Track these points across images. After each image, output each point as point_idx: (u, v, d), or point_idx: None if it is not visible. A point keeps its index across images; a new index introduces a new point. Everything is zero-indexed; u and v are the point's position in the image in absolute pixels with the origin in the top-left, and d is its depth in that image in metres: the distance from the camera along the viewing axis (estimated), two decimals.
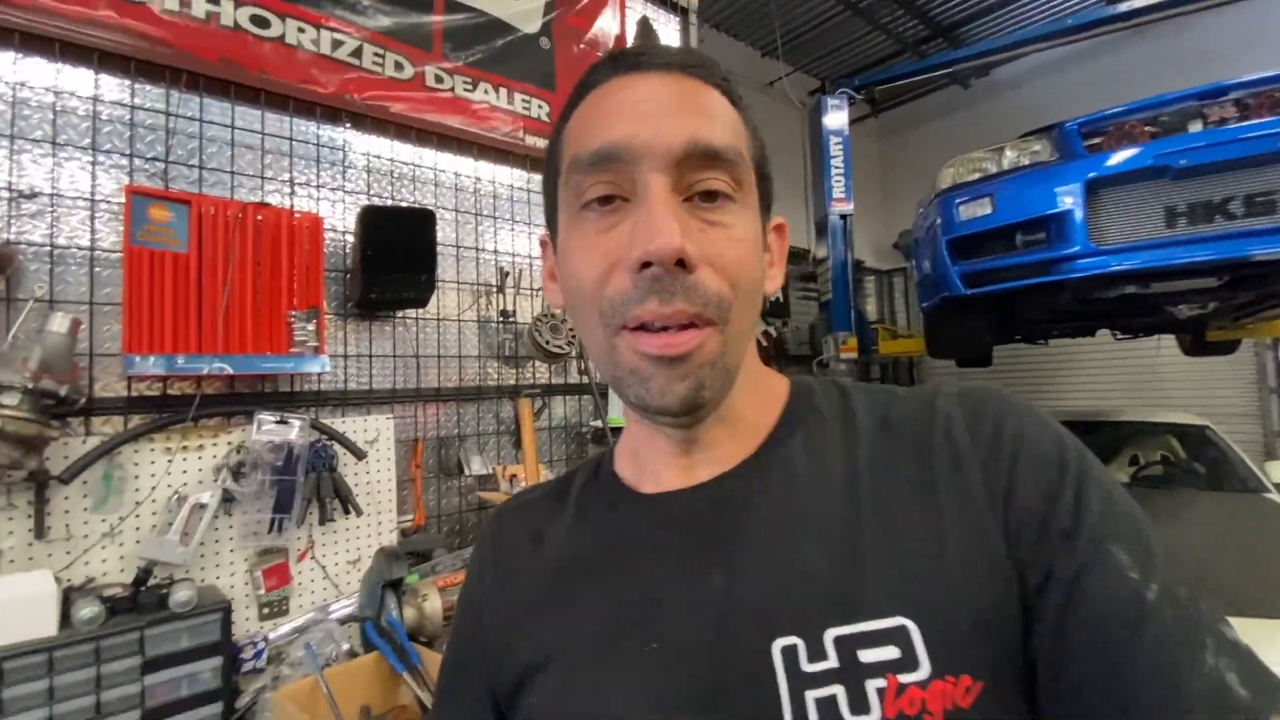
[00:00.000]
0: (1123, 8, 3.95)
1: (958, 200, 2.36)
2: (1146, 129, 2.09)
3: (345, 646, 1.39)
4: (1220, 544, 2.22)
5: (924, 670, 0.35)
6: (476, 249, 1.97)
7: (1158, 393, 5.33)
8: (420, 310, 1.81)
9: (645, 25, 2.32)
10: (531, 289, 2.08)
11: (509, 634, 0.48)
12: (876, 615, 0.36)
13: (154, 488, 1.36)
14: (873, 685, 0.34)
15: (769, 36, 5.15)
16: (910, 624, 0.36)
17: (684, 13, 2.61)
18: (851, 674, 0.35)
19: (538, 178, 2.12)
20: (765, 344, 5.17)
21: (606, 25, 2.29)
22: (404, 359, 1.80)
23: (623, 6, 2.34)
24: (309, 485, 1.52)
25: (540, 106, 2.09)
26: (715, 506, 0.44)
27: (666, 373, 0.39)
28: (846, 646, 0.36)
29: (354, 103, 1.70)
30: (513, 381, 2.01)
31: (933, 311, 2.74)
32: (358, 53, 1.70)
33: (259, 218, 1.49)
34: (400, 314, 1.79)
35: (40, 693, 1.13)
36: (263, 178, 1.58)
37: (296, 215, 1.56)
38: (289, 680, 1.26)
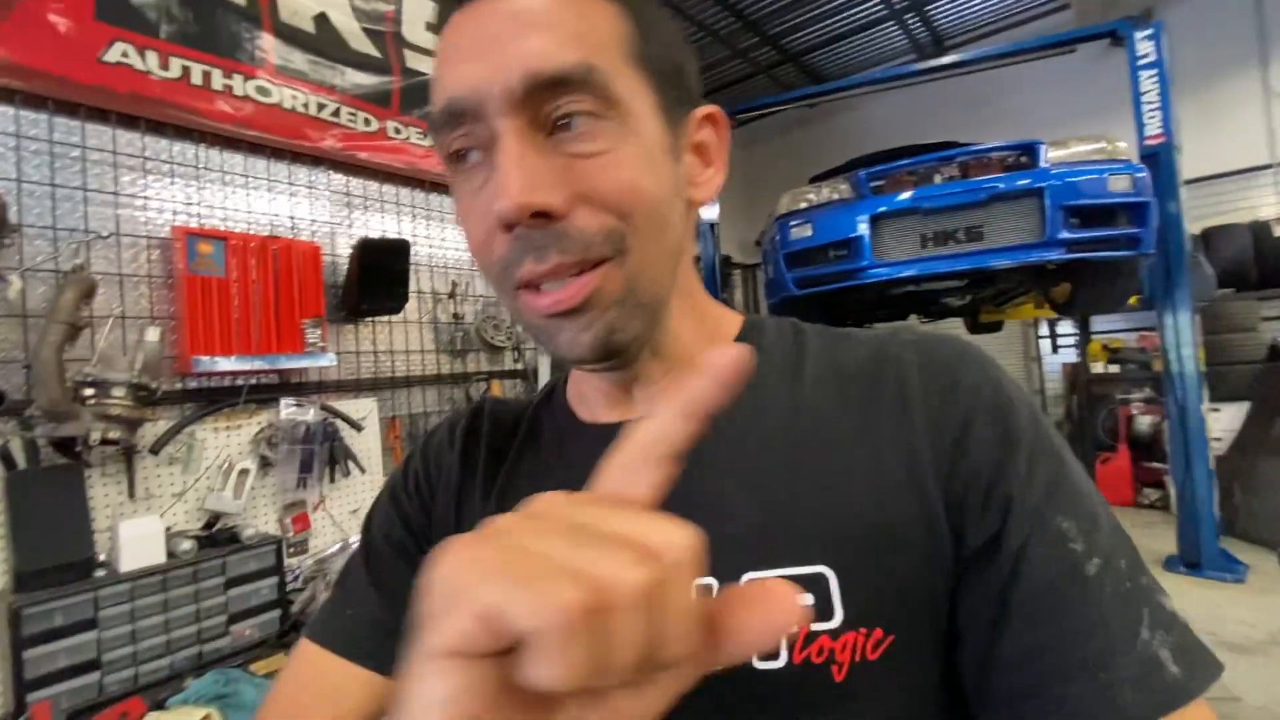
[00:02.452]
0: (945, 59, 5.04)
1: (790, 223, 3.18)
2: (910, 178, 3.02)
3: None
4: None
5: (836, 620, 0.35)
6: (431, 265, 2.48)
7: None
8: (392, 315, 2.30)
9: None
10: (475, 295, 2.62)
11: (448, 511, 0.49)
12: (797, 561, 0.36)
13: (212, 457, 1.79)
14: None
15: None
16: (830, 573, 0.36)
17: None
18: None
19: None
20: None
21: None
22: (382, 354, 2.28)
23: None
24: (324, 452, 1.99)
25: None
26: None
27: (570, 325, 0.38)
28: None
29: (336, 151, 2.15)
30: (462, 369, 2.55)
31: (777, 306, 3.58)
32: (337, 113, 2.15)
33: (275, 248, 1.92)
34: (376, 319, 2.27)
35: (158, 602, 1.55)
36: (272, 215, 2.00)
37: (299, 242, 2.01)
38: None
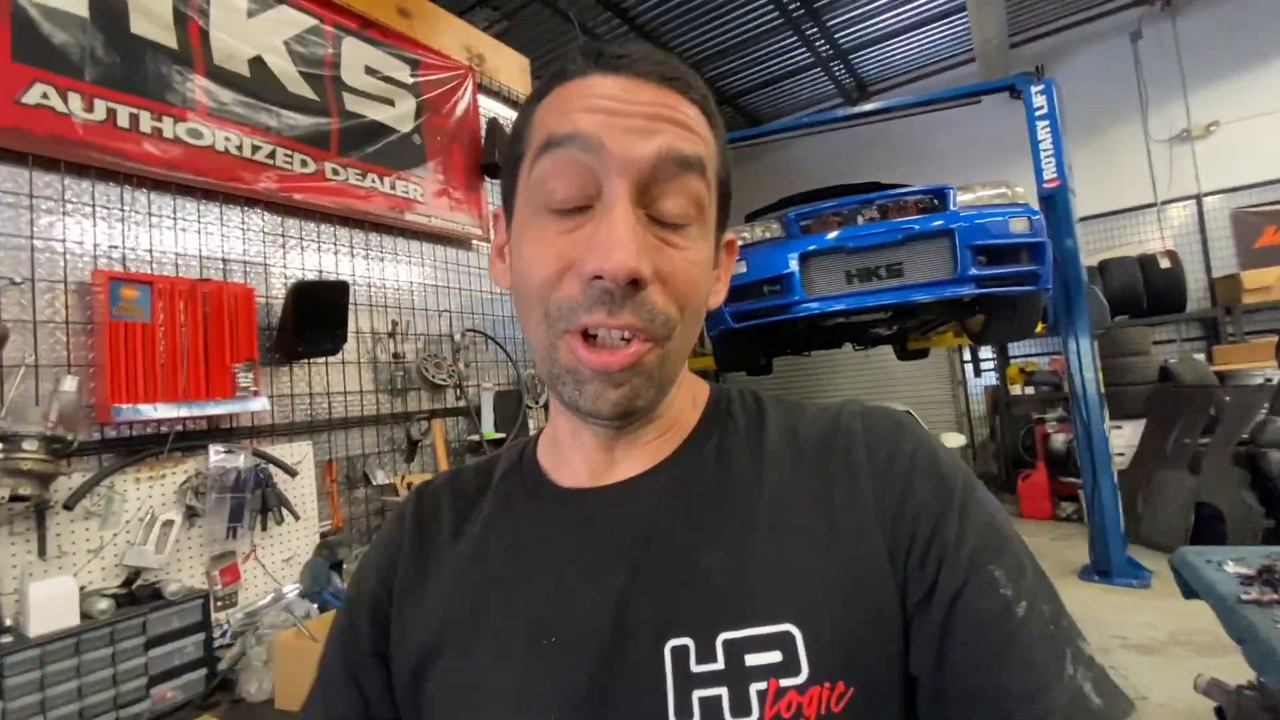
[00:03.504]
0: (867, 106, 5.36)
1: None
2: (835, 219, 3.22)
3: (303, 611, 1.84)
4: None
5: (803, 675, 0.37)
6: (370, 305, 2.46)
7: (887, 388, 7.12)
8: (330, 356, 2.27)
9: (494, 125, 2.97)
10: (415, 334, 2.61)
11: (414, 610, 0.48)
12: (765, 621, 0.38)
13: (133, 509, 1.71)
14: (755, 688, 0.37)
15: None
16: (795, 630, 0.38)
17: None
18: (736, 676, 0.37)
19: (417, 245, 2.67)
20: None
21: (463, 121, 2.90)
22: (318, 396, 2.24)
23: (475, 106, 2.96)
24: (255, 499, 1.93)
25: (415, 188, 2.64)
26: (623, 508, 0.45)
27: (603, 383, 0.41)
28: (735, 650, 0.38)
29: (271, 193, 2.13)
30: (403, 409, 2.52)
31: (717, 338, 3.70)
32: (273, 155, 2.14)
33: (205, 291, 1.88)
34: (313, 360, 2.23)
35: (71, 668, 1.46)
36: (201, 256, 1.97)
37: (230, 285, 1.97)
38: (268, 636, 1.70)
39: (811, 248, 3.07)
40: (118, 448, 1.72)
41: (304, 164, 2.24)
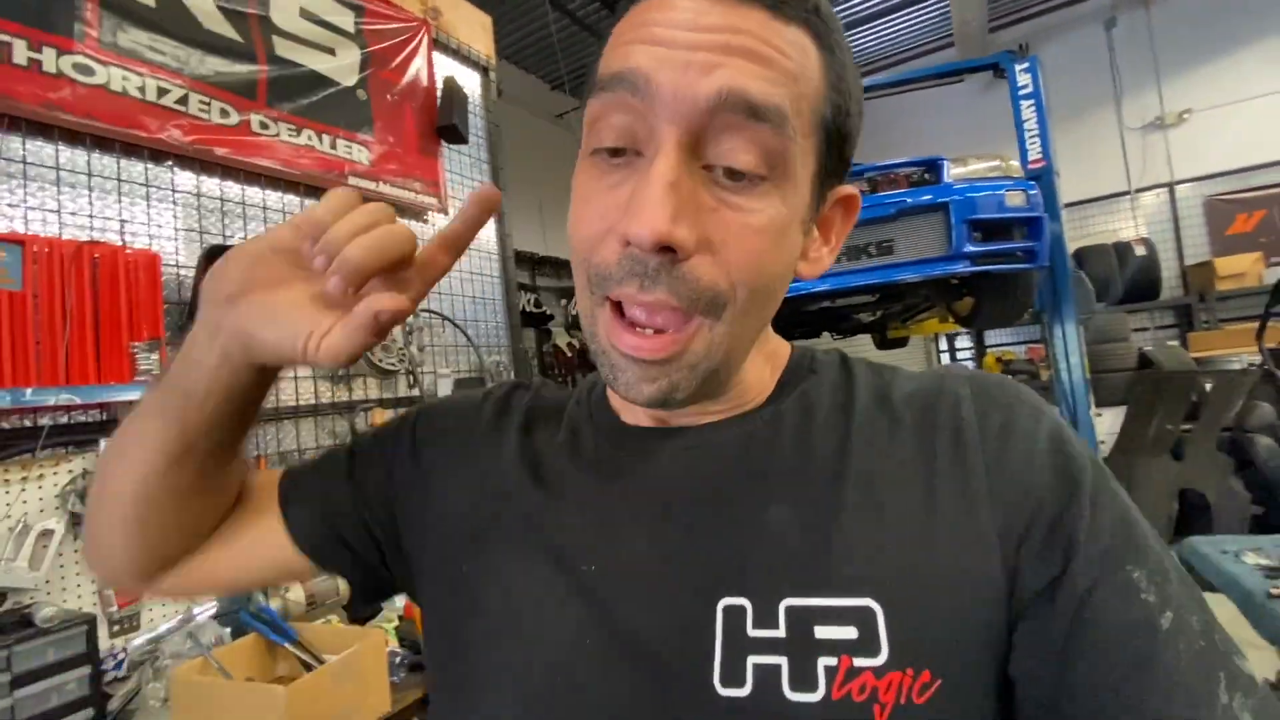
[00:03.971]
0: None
1: None
2: None
3: (213, 638, 1.56)
4: None
5: (881, 657, 0.33)
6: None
7: None
8: None
9: (451, 85, 2.68)
10: None
11: (452, 475, 0.47)
12: (842, 592, 0.34)
13: (0, 517, 1.40)
14: (823, 663, 0.33)
15: (557, 70, 5.73)
16: (877, 607, 0.34)
17: (485, 71, 3.02)
18: (801, 647, 0.34)
19: None
20: (570, 355, 5.70)
21: (416, 79, 2.61)
22: None
23: (430, 65, 2.67)
24: None
25: (360, 150, 2.34)
26: (688, 453, 0.42)
27: (640, 371, 0.37)
28: (801, 618, 0.34)
29: (182, 145, 1.82)
30: (346, 398, 2.24)
31: None
32: (184, 100, 1.83)
33: (95, 256, 1.58)
34: None
35: None
36: (91, 216, 1.65)
37: (129, 251, 1.66)
38: (168, 669, 1.42)
39: None
40: None
41: (224, 114, 1.93)
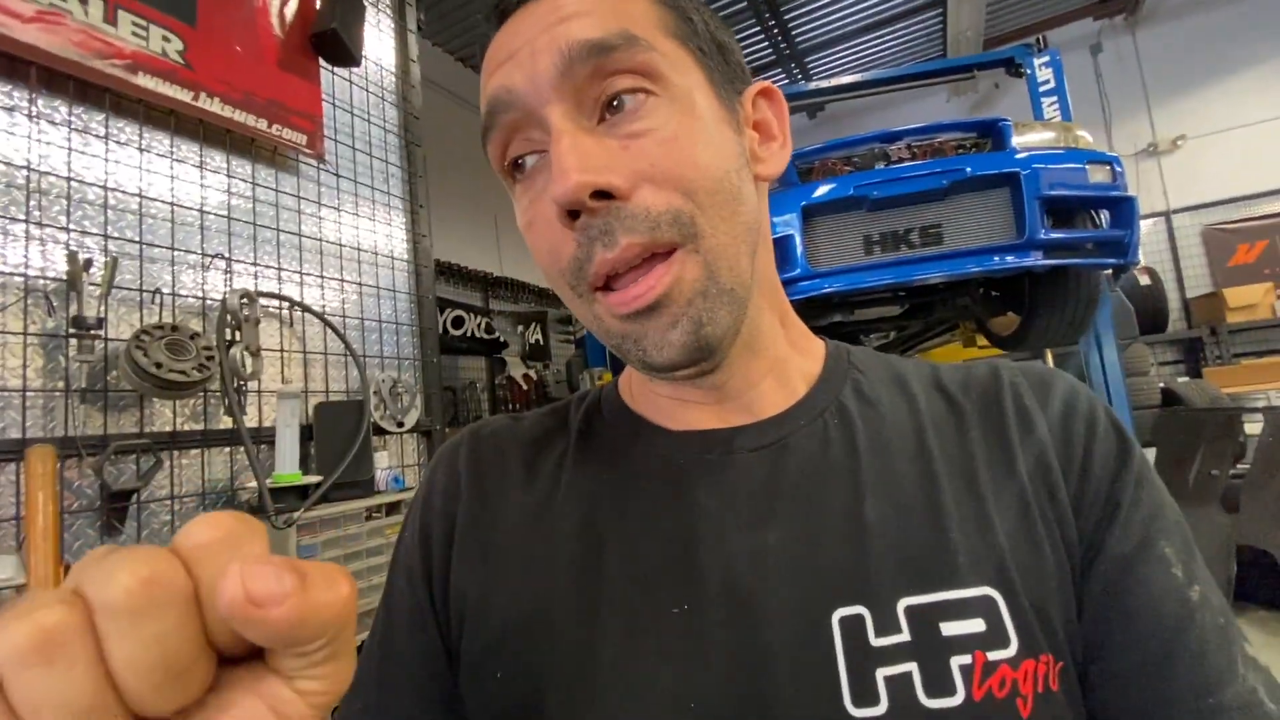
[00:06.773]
0: (846, 80, 4.68)
1: None
2: (844, 166, 2.30)
3: None
4: None
5: (1012, 647, 0.31)
6: (26, 220, 1.25)
7: None
8: None
9: None
10: (130, 288, 1.40)
11: (489, 581, 0.39)
12: (959, 584, 0.33)
13: None
14: (957, 662, 0.30)
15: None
16: (997, 595, 0.32)
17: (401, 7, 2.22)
18: (930, 649, 0.31)
19: (166, 138, 1.49)
20: (526, 387, 5.01)
21: None
22: None
23: None
24: None
25: (166, 39, 1.48)
26: (763, 452, 0.38)
27: (654, 324, 0.34)
28: (924, 617, 0.32)
29: None
30: (100, 430, 1.30)
31: None
32: None
33: None
34: None
35: None
36: None
37: None
38: None
39: (820, 197, 2.12)
40: None
41: None
